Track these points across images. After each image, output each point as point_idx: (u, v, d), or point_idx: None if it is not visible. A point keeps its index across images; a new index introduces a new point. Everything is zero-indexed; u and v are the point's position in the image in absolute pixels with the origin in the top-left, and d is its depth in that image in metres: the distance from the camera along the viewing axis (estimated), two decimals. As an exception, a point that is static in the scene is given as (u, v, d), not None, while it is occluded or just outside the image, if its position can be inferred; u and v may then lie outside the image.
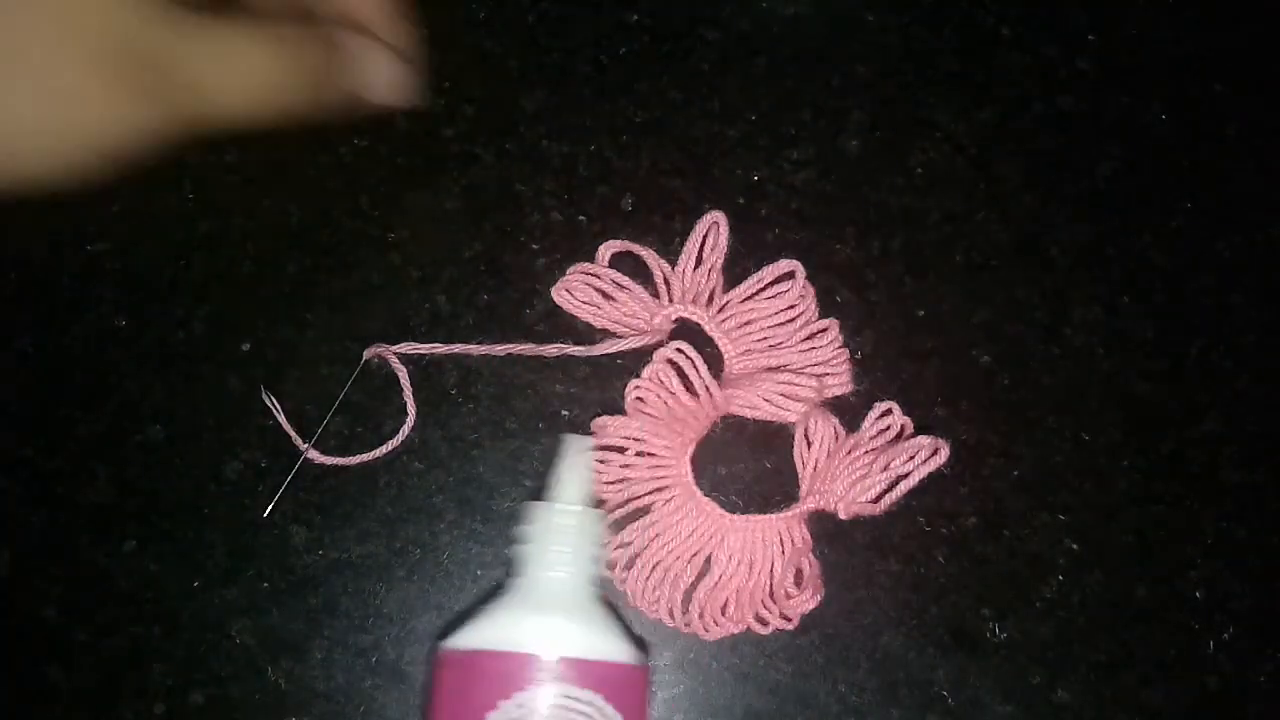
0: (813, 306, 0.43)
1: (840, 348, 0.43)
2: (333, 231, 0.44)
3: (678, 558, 0.41)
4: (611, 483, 0.41)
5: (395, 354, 0.42)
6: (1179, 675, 0.42)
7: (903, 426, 0.42)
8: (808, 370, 0.42)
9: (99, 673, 0.40)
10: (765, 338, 0.43)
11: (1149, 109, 0.47)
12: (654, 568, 0.41)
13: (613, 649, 0.36)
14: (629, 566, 0.41)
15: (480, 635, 0.36)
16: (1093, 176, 0.46)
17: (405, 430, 0.41)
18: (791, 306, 0.43)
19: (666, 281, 0.43)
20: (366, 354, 0.41)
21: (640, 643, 0.39)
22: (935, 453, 0.41)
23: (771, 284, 0.43)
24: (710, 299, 0.43)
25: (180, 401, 0.43)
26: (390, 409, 0.42)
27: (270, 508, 0.41)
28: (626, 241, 0.43)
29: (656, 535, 0.41)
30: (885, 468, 0.40)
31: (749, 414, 0.42)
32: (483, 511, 0.42)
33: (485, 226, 0.44)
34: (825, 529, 0.42)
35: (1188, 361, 0.45)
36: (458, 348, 0.42)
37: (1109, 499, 0.43)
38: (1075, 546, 0.43)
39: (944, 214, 0.45)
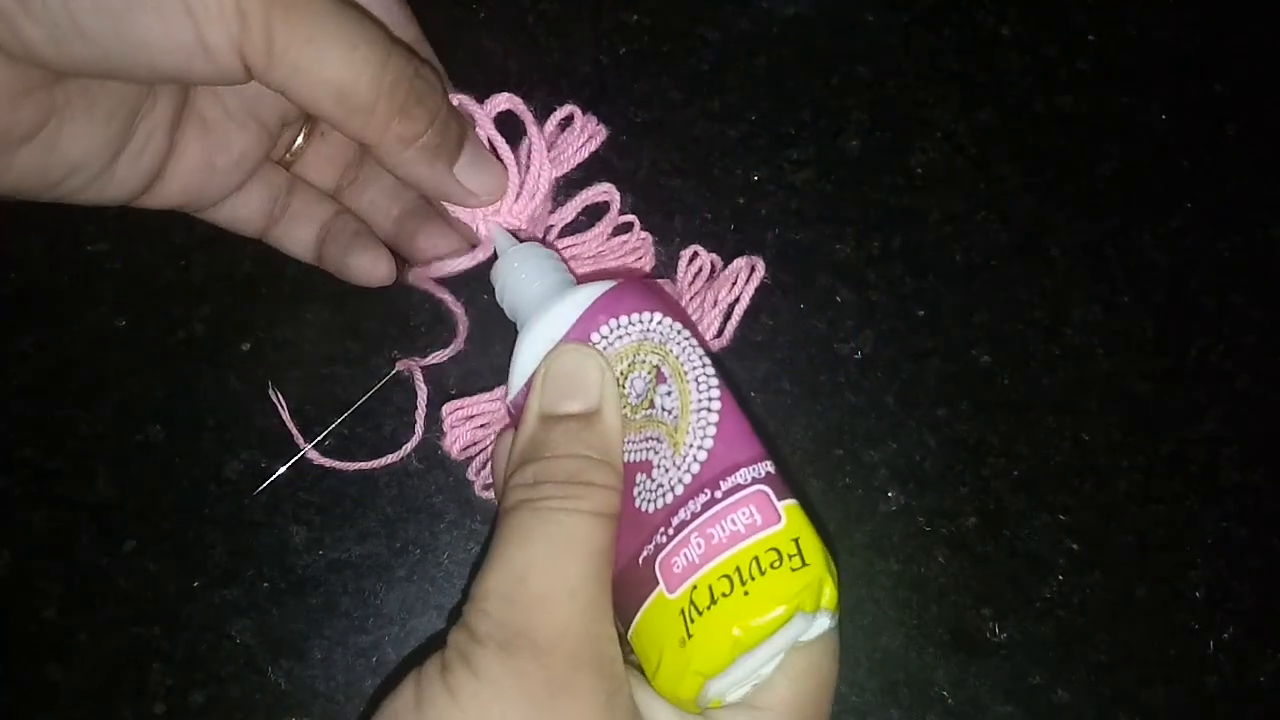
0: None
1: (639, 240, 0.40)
2: (333, 231, 0.44)
3: None
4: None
5: (421, 368, 0.40)
6: (1179, 675, 0.42)
7: (712, 263, 0.40)
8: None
9: (99, 673, 0.40)
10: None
11: (1149, 109, 0.47)
12: None
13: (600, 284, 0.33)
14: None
15: (532, 352, 0.33)
16: (1093, 176, 0.46)
17: (410, 445, 0.41)
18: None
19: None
20: (399, 365, 0.41)
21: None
22: (753, 270, 0.39)
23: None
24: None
25: (180, 401, 0.43)
26: (390, 409, 0.42)
27: (264, 487, 0.41)
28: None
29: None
30: (714, 303, 0.39)
31: None
32: (483, 511, 0.42)
33: (485, 226, 0.44)
34: (825, 529, 0.42)
35: (1188, 361, 0.45)
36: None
37: (1109, 499, 0.43)
38: (1075, 546, 0.43)
39: (944, 214, 0.45)
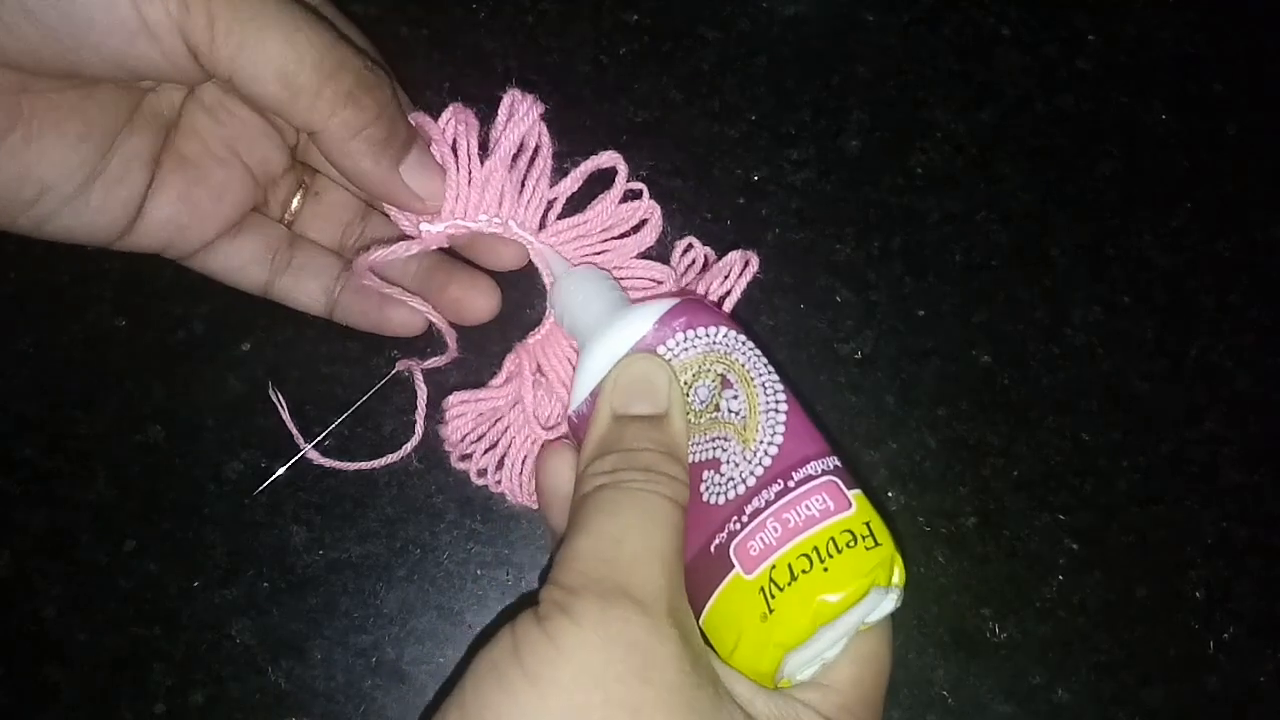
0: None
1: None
2: (333, 231, 0.44)
3: (535, 441, 0.40)
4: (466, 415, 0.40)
5: (422, 370, 0.41)
6: (1179, 675, 0.42)
7: (706, 256, 0.41)
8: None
9: (99, 673, 0.40)
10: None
11: (1149, 109, 0.47)
12: (524, 461, 0.40)
13: (661, 302, 0.35)
14: (498, 468, 0.40)
15: (598, 364, 0.34)
16: (1093, 176, 0.46)
17: (410, 444, 0.41)
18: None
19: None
20: (399, 366, 0.41)
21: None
22: (747, 264, 0.39)
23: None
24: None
25: (180, 401, 0.43)
26: (390, 409, 0.42)
27: (264, 487, 0.41)
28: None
29: (506, 428, 0.40)
30: (705, 294, 0.39)
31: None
32: (483, 511, 0.42)
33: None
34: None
35: (1188, 361, 0.45)
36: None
37: (1109, 499, 0.43)
38: (1075, 546, 0.43)
39: (944, 214, 0.45)
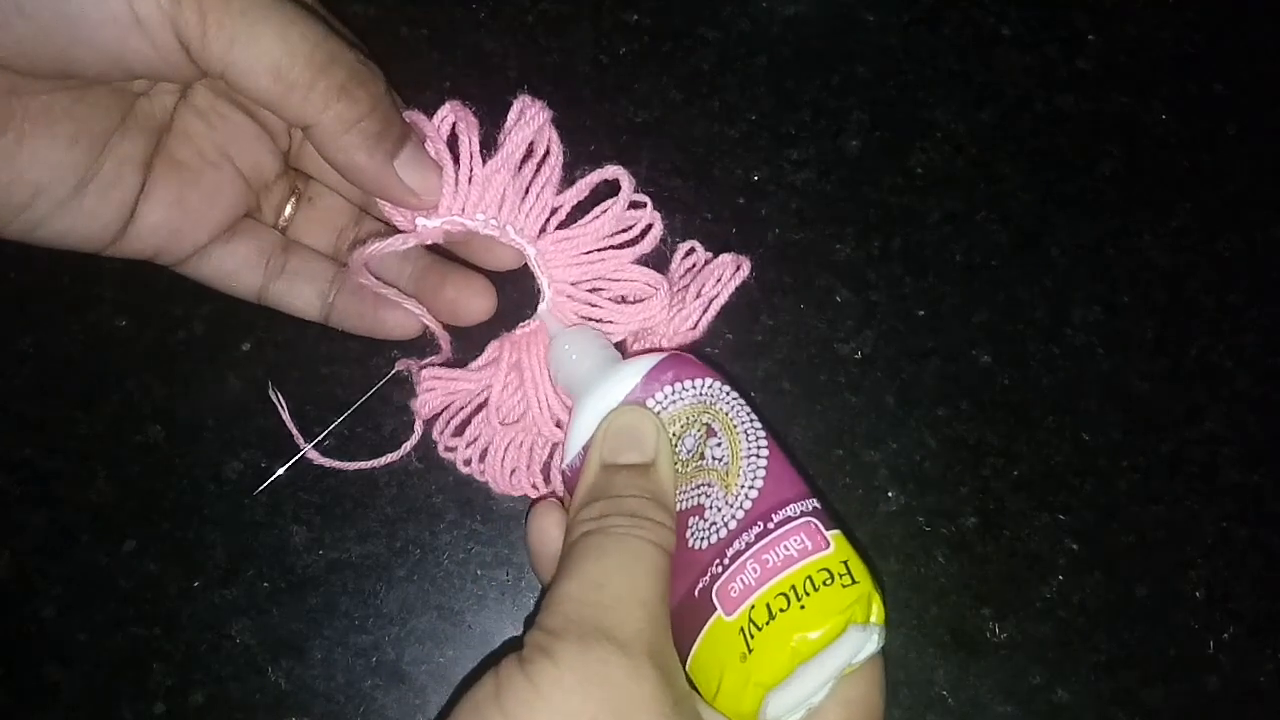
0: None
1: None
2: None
3: (526, 433, 0.40)
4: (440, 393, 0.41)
5: (421, 369, 0.41)
6: (1179, 675, 0.42)
7: (706, 260, 0.42)
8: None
9: (99, 673, 0.40)
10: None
11: (1149, 109, 0.47)
12: (506, 450, 0.40)
13: (651, 357, 0.36)
14: (482, 459, 0.41)
15: (589, 420, 0.35)
16: (1093, 176, 0.46)
17: (410, 444, 0.41)
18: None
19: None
20: (399, 366, 0.41)
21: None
22: (738, 268, 0.41)
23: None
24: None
25: (180, 401, 0.43)
26: (390, 409, 0.42)
27: (264, 487, 0.41)
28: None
29: (501, 420, 0.40)
30: (697, 295, 0.40)
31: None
32: (483, 511, 0.42)
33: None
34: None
35: (1187, 361, 0.45)
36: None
37: (1109, 499, 0.43)
38: (1075, 546, 0.43)
39: (944, 214, 0.45)
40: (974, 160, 0.46)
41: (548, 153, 0.37)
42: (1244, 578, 0.43)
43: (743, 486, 0.32)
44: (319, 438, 0.42)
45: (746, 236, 0.45)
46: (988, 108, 0.46)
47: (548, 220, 0.38)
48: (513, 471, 0.41)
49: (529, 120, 0.36)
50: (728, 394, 0.35)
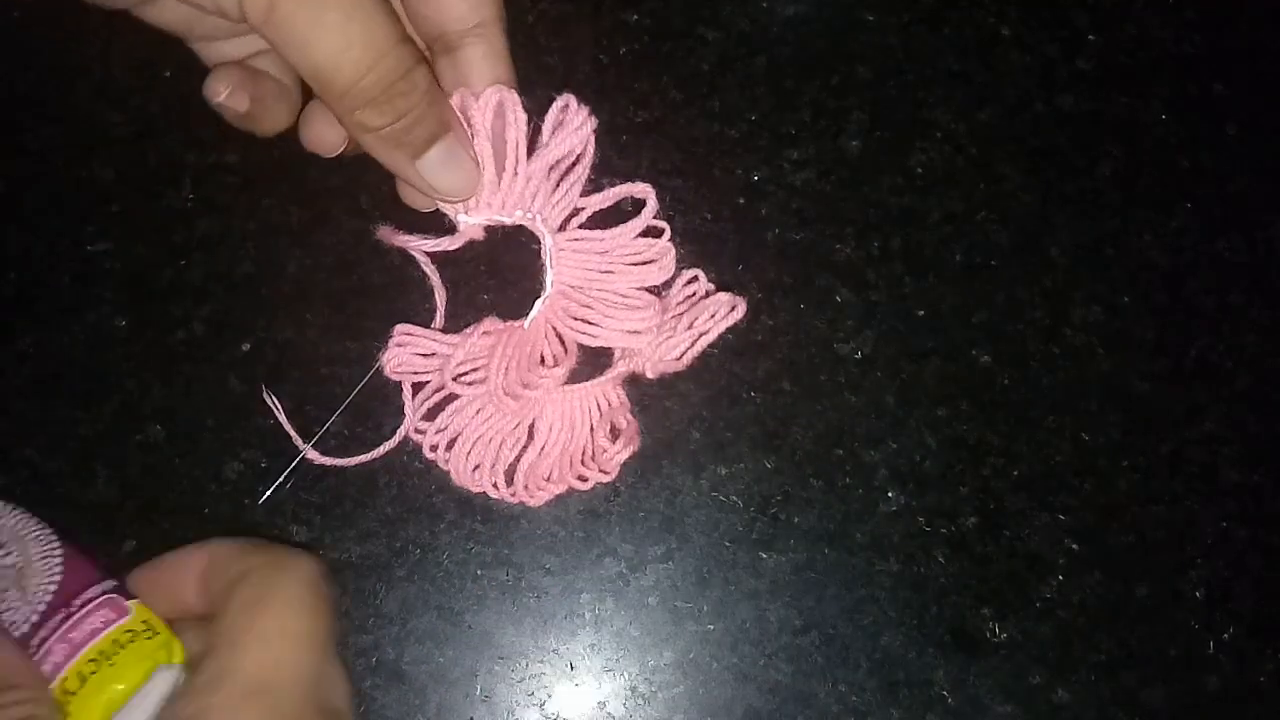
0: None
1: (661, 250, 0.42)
2: (333, 231, 0.44)
3: (498, 431, 0.41)
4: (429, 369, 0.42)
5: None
6: (1179, 675, 0.42)
7: (707, 292, 0.43)
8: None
9: (99, 673, 0.40)
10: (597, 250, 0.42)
11: (1149, 109, 0.47)
12: (474, 443, 0.41)
13: None
14: (449, 447, 0.41)
15: None
16: (1093, 176, 0.46)
17: (401, 433, 0.41)
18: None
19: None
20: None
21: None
22: (733, 309, 0.42)
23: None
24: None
25: (180, 401, 0.43)
26: (390, 409, 0.42)
27: (265, 496, 0.41)
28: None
29: (478, 412, 0.41)
30: (689, 327, 0.41)
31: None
32: (483, 511, 0.42)
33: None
34: (825, 529, 0.42)
35: (1188, 361, 0.45)
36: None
37: (1109, 499, 0.43)
38: (1075, 546, 0.43)
39: (944, 214, 0.45)
40: (974, 160, 0.46)
41: (583, 153, 0.39)
42: (1244, 578, 0.43)
43: (39, 587, 0.35)
44: (315, 437, 0.42)
45: (746, 236, 0.45)
46: (988, 108, 0.46)
47: (568, 219, 0.40)
48: (475, 467, 0.41)
49: (577, 127, 0.38)
50: (9, 510, 0.37)
